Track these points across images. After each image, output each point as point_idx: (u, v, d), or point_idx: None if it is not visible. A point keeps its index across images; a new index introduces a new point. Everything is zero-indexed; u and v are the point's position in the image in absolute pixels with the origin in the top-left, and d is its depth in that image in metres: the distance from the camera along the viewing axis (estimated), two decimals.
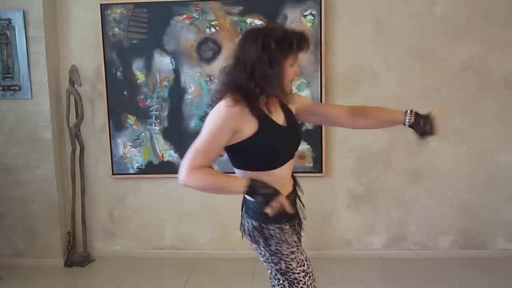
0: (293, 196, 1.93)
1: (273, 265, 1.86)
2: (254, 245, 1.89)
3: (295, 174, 1.98)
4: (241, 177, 1.82)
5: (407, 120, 1.91)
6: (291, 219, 1.90)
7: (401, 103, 3.48)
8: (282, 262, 1.83)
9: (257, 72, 1.70)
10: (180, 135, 3.63)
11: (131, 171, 3.70)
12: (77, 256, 3.69)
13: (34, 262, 3.65)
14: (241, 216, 1.93)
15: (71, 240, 3.69)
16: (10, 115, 3.56)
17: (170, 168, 3.66)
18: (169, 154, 3.65)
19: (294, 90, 3.42)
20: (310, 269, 1.88)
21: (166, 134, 3.64)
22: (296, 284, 1.84)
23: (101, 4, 3.52)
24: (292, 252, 1.84)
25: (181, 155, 3.64)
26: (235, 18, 3.48)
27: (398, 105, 3.48)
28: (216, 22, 3.49)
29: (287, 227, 1.86)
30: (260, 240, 1.85)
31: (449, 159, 3.56)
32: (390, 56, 3.49)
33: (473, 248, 3.62)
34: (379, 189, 3.62)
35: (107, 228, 3.82)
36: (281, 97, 1.81)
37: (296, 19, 3.43)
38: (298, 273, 1.83)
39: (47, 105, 3.53)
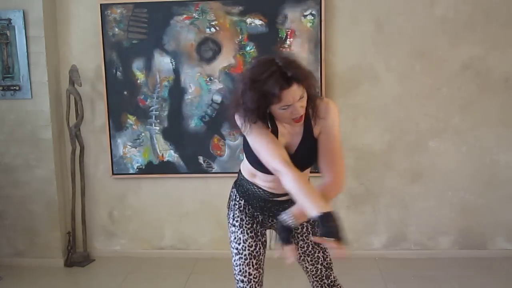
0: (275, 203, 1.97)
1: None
2: None
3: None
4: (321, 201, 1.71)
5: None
6: (253, 203, 1.97)
7: (401, 103, 3.52)
8: (228, 230, 2.01)
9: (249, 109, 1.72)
10: (180, 135, 3.63)
11: (131, 171, 3.70)
12: (77, 256, 3.69)
13: (34, 262, 3.65)
14: None
15: (71, 240, 3.69)
16: (10, 115, 3.56)
17: (170, 168, 3.66)
18: (169, 154, 3.65)
19: None
20: (246, 253, 1.94)
21: (166, 134, 3.64)
22: (232, 257, 1.99)
23: (101, 4, 3.52)
24: (234, 225, 1.98)
25: (181, 155, 3.64)
26: (235, 18, 3.48)
27: (398, 105, 3.52)
28: (216, 22, 3.49)
29: (242, 202, 1.98)
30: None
31: (449, 159, 3.56)
32: (390, 56, 3.49)
33: (473, 248, 3.62)
34: (379, 189, 3.63)
35: (107, 228, 3.83)
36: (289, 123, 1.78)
37: (296, 19, 3.43)
38: (232, 248, 1.98)
39: (47, 105, 3.53)
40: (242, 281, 1.95)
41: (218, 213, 3.72)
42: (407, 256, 3.63)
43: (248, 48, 3.50)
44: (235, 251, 1.96)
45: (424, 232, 3.64)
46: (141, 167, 3.69)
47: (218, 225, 3.74)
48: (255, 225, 1.99)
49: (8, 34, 3.48)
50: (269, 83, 1.62)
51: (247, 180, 1.97)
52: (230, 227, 1.99)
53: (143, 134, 3.65)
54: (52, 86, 3.57)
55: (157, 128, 3.64)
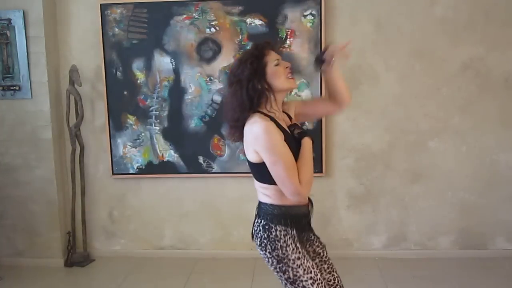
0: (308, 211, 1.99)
1: (282, 274, 1.87)
2: (262, 252, 1.91)
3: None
4: (304, 142, 1.87)
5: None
6: (300, 227, 1.93)
7: (401, 103, 3.52)
8: (289, 269, 1.85)
9: (250, 89, 1.84)
10: (180, 135, 3.63)
11: (131, 171, 3.70)
12: (77, 256, 3.69)
13: (34, 262, 3.65)
14: (254, 220, 1.97)
15: (71, 240, 3.69)
16: (10, 115, 3.56)
17: (170, 168, 3.66)
18: (169, 154, 3.65)
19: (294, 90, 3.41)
20: (318, 277, 1.88)
21: (166, 134, 3.64)
22: None
23: (101, 4, 3.52)
24: (298, 258, 1.85)
25: (181, 155, 3.64)
26: (235, 18, 3.48)
27: (398, 105, 3.52)
28: (216, 22, 3.49)
29: (293, 232, 1.88)
30: (268, 244, 1.87)
31: (449, 159, 3.56)
32: (390, 56, 3.49)
33: (473, 248, 3.62)
34: (379, 189, 3.63)
35: (107, 228, 3.83)
36: (287, 90, 1.93)
37: (296, 19, 3.43)
38: (306, 280, 1.84)
39: (47, 105, 3.53)
40: None
41: (218, 213, 3.73)
42: (407, 256, 3.63)
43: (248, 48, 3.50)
44: (311, 281, 1.85)
45: (424, 232, 3.64)
46: (141, 167, 3.69)
47: (218, 225, 3.74)
48: (306, 247, 1.98)
49: (8, 34, 3.48)
50: (256, 52, 1.89)
51: (287, 206, 1.87)
52: (294, 262, 1.85)
53: (143, 134, 3.66)
54: (52, 86, 3.57)
55: (157, 128, 3.64)
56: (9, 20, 3.46)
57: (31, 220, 3.65)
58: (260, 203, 1.95)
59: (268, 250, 1.87)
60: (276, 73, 1.86)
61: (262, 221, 1.89)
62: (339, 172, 3.63)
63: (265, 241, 1.87)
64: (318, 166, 3.54)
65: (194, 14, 3.50)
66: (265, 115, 1.84)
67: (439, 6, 3.42)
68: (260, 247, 1.91)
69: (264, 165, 1.81)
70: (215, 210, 3.73)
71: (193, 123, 3.60)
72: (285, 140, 1.80)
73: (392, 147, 3.58)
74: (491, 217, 3.59)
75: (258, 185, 1.93)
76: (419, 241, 3.65)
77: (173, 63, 3.56)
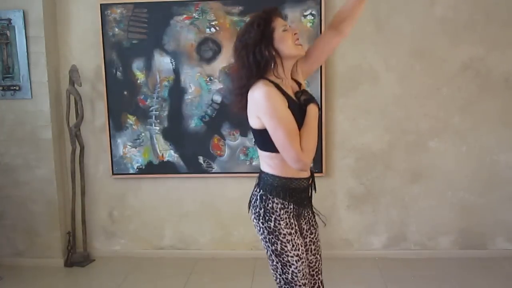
0: (309, 186, 1.99)
1: (269, 245, 1.90)
2: (255, 220, 1.93)
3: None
4: (309, 109, 1.85)
5: None
6: (299, 202, 1.93)
7: (401, 103, 3.52)
8: (278, 242, 1.87)
9: (257, 54, 1.82)
10: (180, 135, 3.63)
11: (131, 171, 3.70)
12: (77, 256, 3.69)
13: (34, 262, 3.65)
14: (253, 189, 1.99)
15: (71, 240, 3.69)
16: (10, 115, 3.56)
17: (170, 168, 3.66)
18: (169, 154, 3.65)
19: None
20: (304, 256, 1.91)
21: (166, 134, 3.64)
22: (288, 267, 1.88)
23: (101, 4, 3.52)
24: (290, 234, 1.88)
25: (181, 155, 3.64)
26: (235, 18, 3.48)
27: (398, 105, 3.52)
28: (216, 22, 3.49)
29: (291, 207, 1.90)
30: (261, 213, 1.89)
31: (449, 159, 3.56)
32: (390, 56, 3.49)
33: (473, 248, 3.62)
34: (379, 189, 3.63)
35: (107, 228, 3.83)
36: (295, 56, 1.89)
37: (296, 19, 3.43)
38: (292, 256, 1.88)
39: (47, 105, 3.53)
40: (305, 285, 1.90)
41: (218, 213, 3.73)
42: (407, 256, 3.63)
43: None
44: (296, 257, 1.87)
45: (424, 232, 3.64)
46: (141, 167, 3.69)
47: (218, 225, 3.74)
48: (301, 223, 1.99)
49: (8, 34, 3.48)
50: (264, 15, 1.84)
51: (288, 178, 1.88)
52: (285, 236, 1.87)
53: (143, 134, 3.66)
54: (52, 86, 3.57)
55: (157, 128, 3.64)
56: (9, 20, 3.46)
57: (31, 220, 3.65)
58: (261, 172, 1.95)
59: (261, 220, 1.90)
60: (284, 38, 1.83)
61: (261, 191, 1.91)
62: (339, 172, 3.63)
63: (261, 211, 1.89)
64: (318, 166, 3.54)
65: (194, 14, 3.50)
66: (270, 81, 1.82)
67: (439, 6, 3.42)
68: (254, 216, 1.93)
69: (266, 132, 1.80)
70: (215, 210, 3.73)
71: (193, 123, 3.61)
72: (289, 107, 1.79)
73: (392, 147, 3.58)
74: (491, 217, 3.59)
75: (261, 153, 1.93)
76: (419, 241, 3.65)
77: (173, 63, 3.56)
